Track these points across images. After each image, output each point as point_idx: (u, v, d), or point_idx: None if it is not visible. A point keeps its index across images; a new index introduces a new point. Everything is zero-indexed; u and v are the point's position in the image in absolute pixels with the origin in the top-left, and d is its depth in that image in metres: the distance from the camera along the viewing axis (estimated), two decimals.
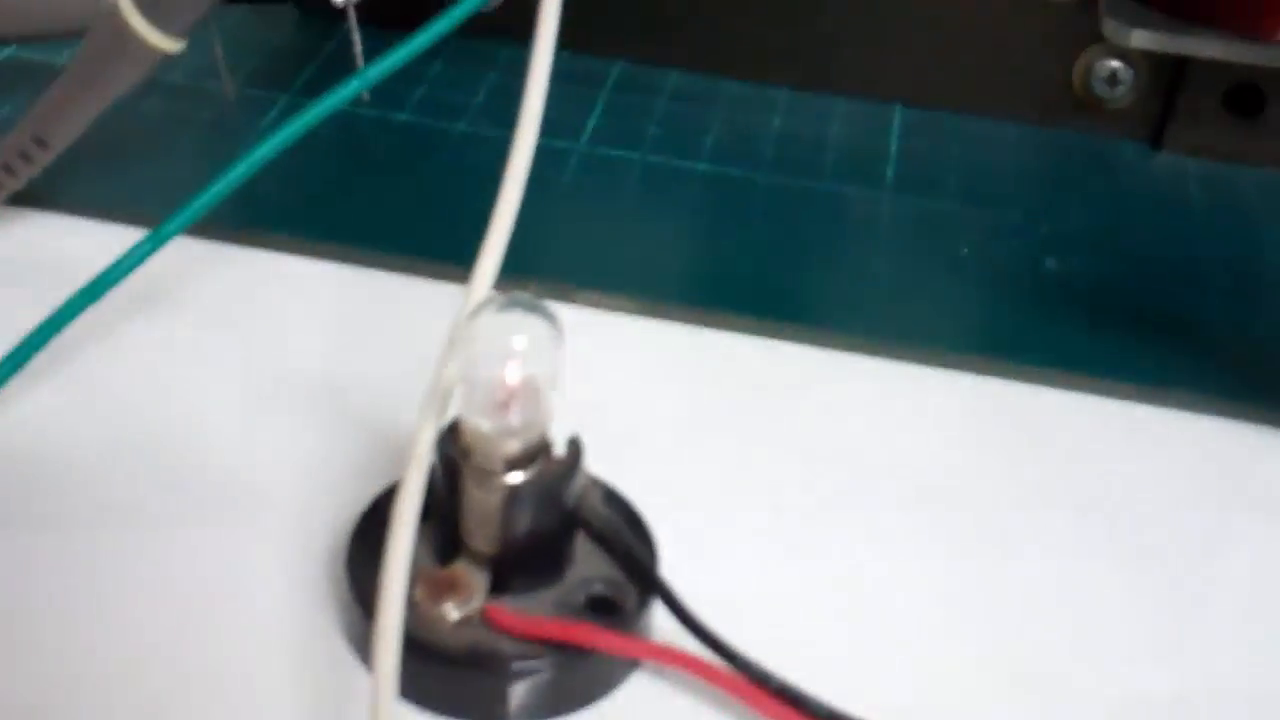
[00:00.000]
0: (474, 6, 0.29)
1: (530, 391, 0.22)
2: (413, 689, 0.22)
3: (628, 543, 0.24)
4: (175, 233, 0.27)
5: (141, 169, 0.34)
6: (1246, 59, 0.34)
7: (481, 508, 0.23)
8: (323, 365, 0.29)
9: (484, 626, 0.23)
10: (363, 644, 0.23)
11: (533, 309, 0.22)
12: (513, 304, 0.22)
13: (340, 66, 0.37)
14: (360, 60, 0.34)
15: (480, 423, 0.22)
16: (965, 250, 0.33)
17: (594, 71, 0.39)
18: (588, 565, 0.24)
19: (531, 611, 0.23)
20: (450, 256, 0.31)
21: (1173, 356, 0.31)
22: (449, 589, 0.23)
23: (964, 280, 0.33)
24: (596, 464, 0.24)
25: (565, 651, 0.22)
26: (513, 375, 0.22)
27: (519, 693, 0.22)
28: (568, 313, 0.31)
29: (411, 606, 0.22)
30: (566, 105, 0.38)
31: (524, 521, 0.23)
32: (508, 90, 0.35)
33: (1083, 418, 0.30)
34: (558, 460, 0.23)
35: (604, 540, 0.24)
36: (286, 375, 0.29)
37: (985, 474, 0.28)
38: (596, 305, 0.32)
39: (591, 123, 0.37)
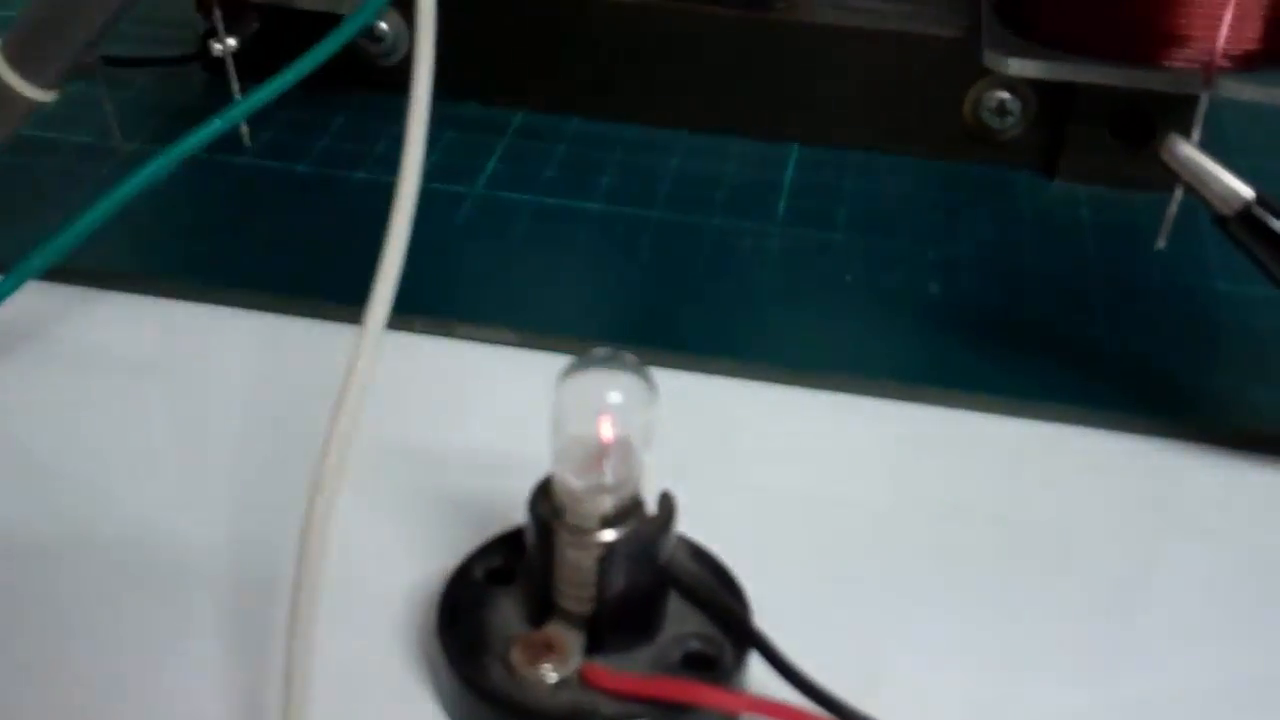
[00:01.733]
0: (333, 49, 0.30)
1: (623, 448, 0.22)
2: None
3: (720, 597, 0.24)
4: (33, 273, 0.27)
5: (25, 224, 0.34)
6: (1133, 84, 0.34)
7: (575, 567, 0.23)
8: (227, 411, 0.30)
9: (582, 687, 0.22)
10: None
11: (627, 366, 0.22)
12: (608, 361, 0.22)
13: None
14: None
15: (573, 480, 0.22)
16: (849, 278, 0.34)
17: (497, 120, 0.40)
18: (681, 622, 0.24)
19: (628, 670, 0.23)
20: (346, 298, 0.32)
21: (1058, 375, 0.31)
22: (545, 651, 0.23)
23: (848, 306, 0.33)
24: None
25: (664, 708, 0.22)
26: (606, 431, 0.22)
27: None
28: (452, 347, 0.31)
29: (509, 670, 0.22)
30: (466, 151, 0.38)
31: (619, 579, 0.23)
32: None
33: (970, 434, 0.30)
34: (650, 517, 0.23)
35: (695, 596, 0.24)
36: (200, 418, 0.30)
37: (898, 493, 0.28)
38: (475, 338, 0.32)
39: (490, 167, 0.38)
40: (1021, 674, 0.25)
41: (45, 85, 0.29)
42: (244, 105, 0.30)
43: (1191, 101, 0.34)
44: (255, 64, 0.34)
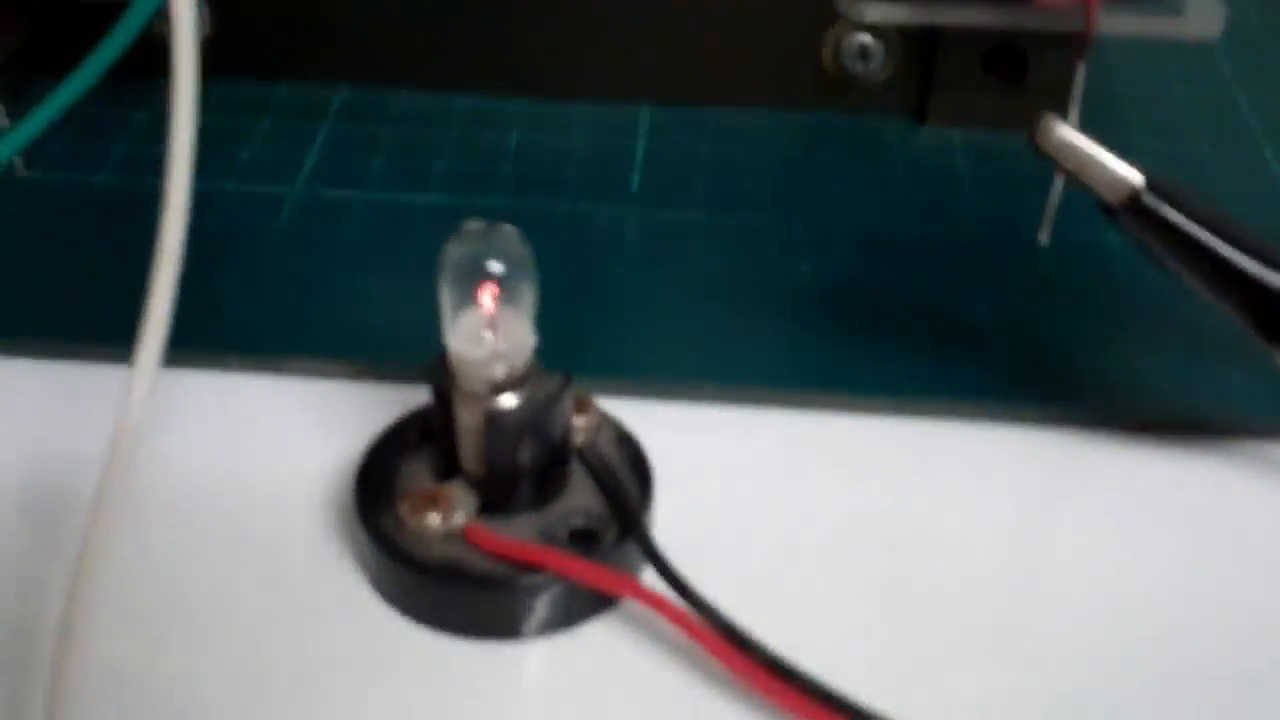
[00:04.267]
0: (120, 46, 0.26)
1: (508, 316, 0.23)
2: (396, 597, 0.24)
3: (620, 481, 0.24)
4: None
5: None
6: (1005, 23, 0.32)
7: (468, 430, 0.23)
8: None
9: (465, 544, 0.24)
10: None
11: (505, 236, 0.23)
12: (486, 232, 0.23)
13: None
14: None
15: (462, 348, 0.23)
16: (713, 263, 0.31)
17: (315, 101, 0.36)
18: (579, 498, 0.25)
19: (513, 534, 0.24)
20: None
21: (944, 364, 0.28)
22: (431, 505, 0.23)
23: (717, 300, 0.30)
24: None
25: (531, 572, 0.23)
26: (487, 301, 0.23)
27: (485, 608, 0.23)
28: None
29: (398, 521, 0.24)
30: (284, 142, 0.35)
31: (506, 445, 0.23)
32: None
33: (856, 440, 0.28)
34: (545, 388, 0.23)
35: (598, 476, 0.25)
36: None
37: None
38: (308, 374, 0.28)
39: (310, 160, 0.34)
40: (932, 668, 0.23)
41: None
42: (13, 140, 0.26)
43: (1066, 36, 0.31)
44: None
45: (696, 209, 0.33)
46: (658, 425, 0.26)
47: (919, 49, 0.35)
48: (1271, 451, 0.27)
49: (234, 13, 0.35)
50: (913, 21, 0.32)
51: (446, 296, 0.23)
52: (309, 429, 0.28)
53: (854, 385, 0.28)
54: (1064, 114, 0.34)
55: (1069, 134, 0.24)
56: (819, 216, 0.32)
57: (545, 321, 0.24)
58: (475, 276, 0.23)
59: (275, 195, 0.33)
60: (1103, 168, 0.24)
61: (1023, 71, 0.34)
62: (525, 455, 0.24)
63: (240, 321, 0.29)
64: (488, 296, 0.23)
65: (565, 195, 0.33)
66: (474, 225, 0.23)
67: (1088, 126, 0.25)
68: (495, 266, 0.23)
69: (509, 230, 0.23)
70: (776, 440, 0.27)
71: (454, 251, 0.23)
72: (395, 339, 0.29)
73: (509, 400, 0.23)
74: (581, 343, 0.28)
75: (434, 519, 0.23)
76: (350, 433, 0.27)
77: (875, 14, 0.31)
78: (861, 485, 0.27)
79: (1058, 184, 0.29)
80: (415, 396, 0.26)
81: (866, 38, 0.34)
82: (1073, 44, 0.26)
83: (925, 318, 0.30)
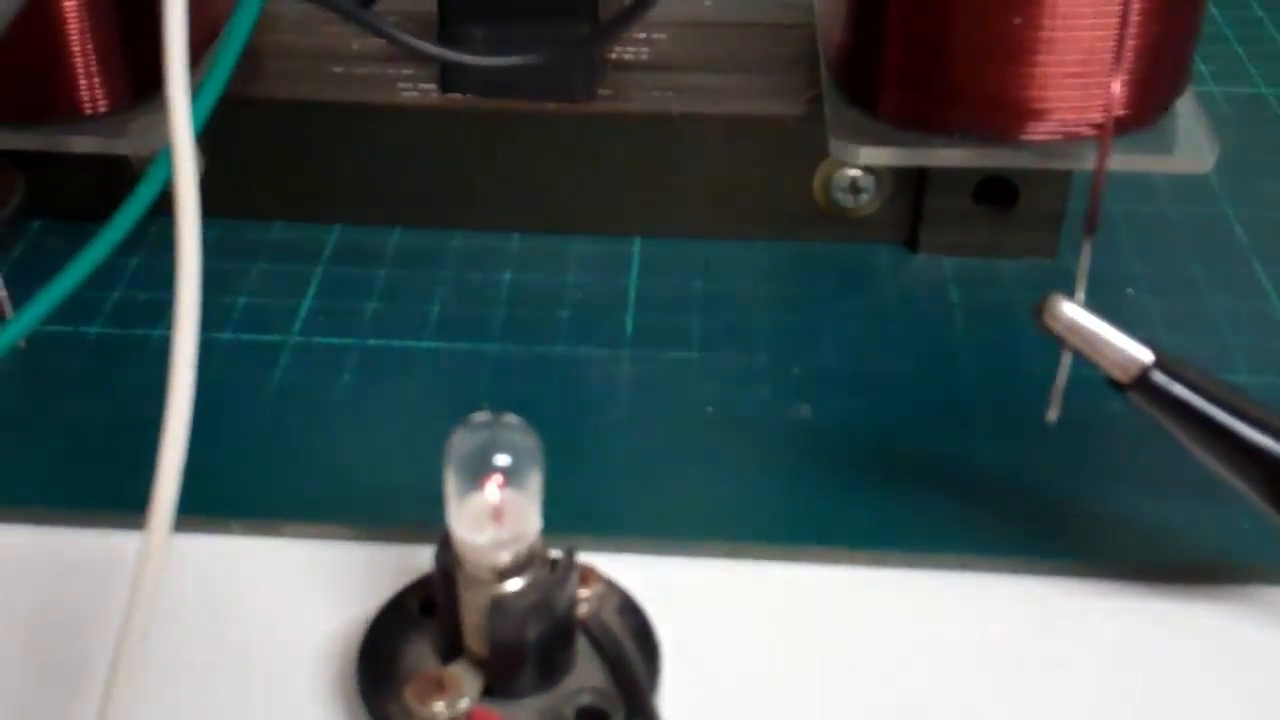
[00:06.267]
0: (130, 221, 0.26)
1: (513, 505, 0.23)
2: None
3: (626, 660, 0.24)
4: None
5: None
6: (992, 162, 0.32)
7: (473, 612, 0.23)
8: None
9: None
10: None
11: (510, 428, 0.23)
12: (490, 424, 0.23)
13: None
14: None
15: (467, 535, 0.23)
16: (710, 409, 0.31)
17: (310, 242, 0.36)
18: (588, 675, 0.24)
19: (517, 717, 0.23)
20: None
21: (942, 510, 0.28)
22: (437, 689, 0.23)
23: (715, 446, 0.30)
24: None
25: None
26: (494, 494, 0.23)
27: None
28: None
29: (404, 707, 0.23)
30: (279, 286, 0.35)
31: (510, 629, 0.23)
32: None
33: (861, 594, 0.27)
34: (550, 571, 0.23)
35: (603, 652, 0.24)
36: None
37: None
38: (308, 536, 0.28)
39: (305, 306, 0.34)
40: None
41: None
42: (17, 326, 0.26)
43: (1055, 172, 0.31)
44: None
45: (691, 349, 0.33)
46: (660, 584, 0.26)
47: (909, 181, 0.35)
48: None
49: (226, 154, 0.35)
50: (903, 164, 0.32)
51: (452, 485, 0.23)
52: (311, 595, 0.27)
53: (855, 536, 0.28)
54: (1053, 237, 0.35)
55: (1076, 314, 0.24)
56: (814, 353, 0.32)
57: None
58: (481, 468, 0.23)
59: (272, 344, 0.33)
60: (1111, 347, 0.24)
61: (1014, 199, 0.34)
62: (531, 637, 0.23)
63: (237, 480, 0.29)
64: (494, 489, 0.23)
65: (559, 338, 0.33)
66: (480, 417, 0.23)
67: (1074, 248, 0.25)
68: (502, 459, 0.23)
69: (515, 422, 0.23)
70: (779, 595, 0.27)
71: (460, 443, 0.23)
72: (395, 495, 0.29)
73: (514, 585, 0.23)
74: (577, 498, 0.28)
75: (439, 707, 0.23)
76: (352, 598, 0.27)
77: (866, 157, 0.32)
78: (866, 639, 0.26)
79: (1065, 361, 0.27)
80: (415, 557, 0.26)
81: (857, 172, 0.34)
82: (1085, 221, 0.26)
83: (924, 463, 0.30)
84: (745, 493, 0.29)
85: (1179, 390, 0.24)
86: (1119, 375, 0.24)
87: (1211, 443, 0.24)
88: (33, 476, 0.29)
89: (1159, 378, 0.24)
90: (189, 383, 0.22)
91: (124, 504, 0.28)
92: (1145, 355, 0.24)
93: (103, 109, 0.33)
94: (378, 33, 0.32)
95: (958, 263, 0.35)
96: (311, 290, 0.35)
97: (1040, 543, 0.28)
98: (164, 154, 0.23)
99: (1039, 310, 0.24)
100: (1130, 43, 0.30)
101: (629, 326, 0.33)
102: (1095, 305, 0.25)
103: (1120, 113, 0.31)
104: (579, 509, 0.28)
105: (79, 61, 0.32)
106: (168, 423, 0.22)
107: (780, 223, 0.36)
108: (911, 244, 0.36)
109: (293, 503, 0.29)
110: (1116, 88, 0.30)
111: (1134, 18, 0.30)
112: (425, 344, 0.33)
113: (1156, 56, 0.31)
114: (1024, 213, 0.35)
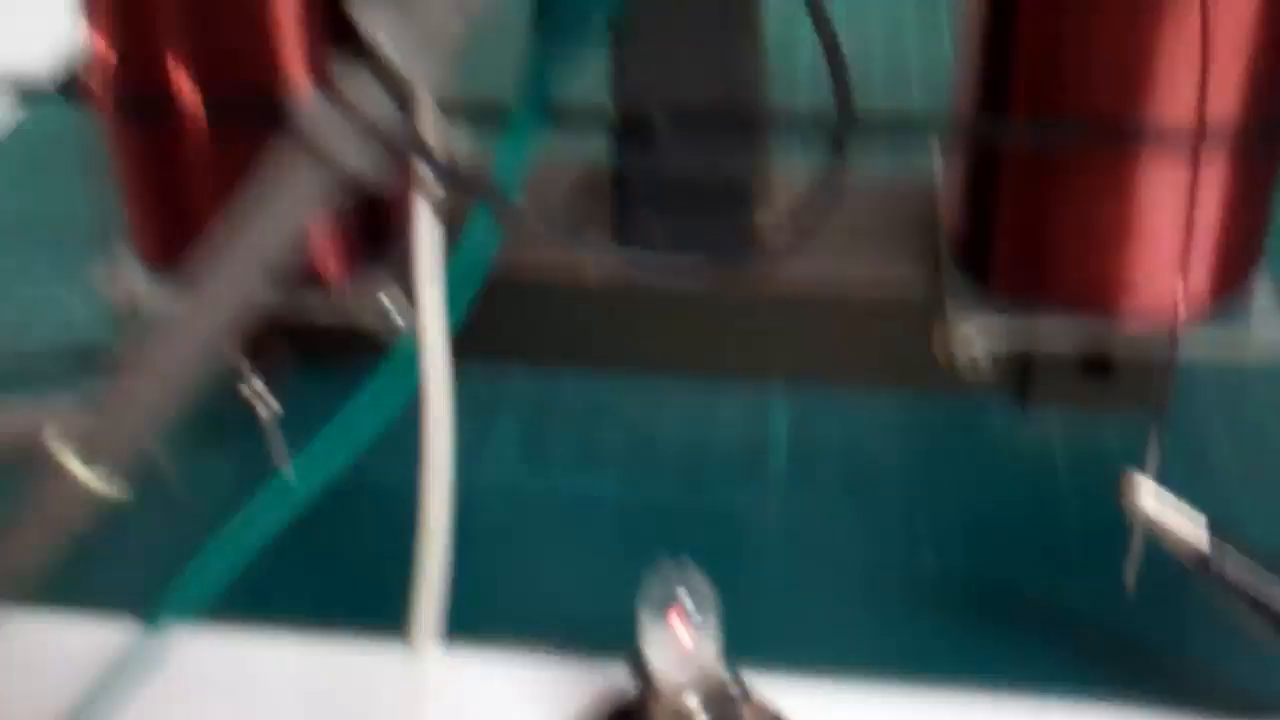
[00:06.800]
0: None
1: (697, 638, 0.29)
2: None
3: None
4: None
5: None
6: (1092, 347, 0.37)
7: None
8: None
9: None
10: None
11: (694, 577, 0.29)
12: (677, 569, 0.29)
13: None
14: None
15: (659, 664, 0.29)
16: (848, 556, 0.36)
17: (489, 387, 0.42)
18: None
19: None
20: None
21: (1060, 653, 0.33)
22: None
23: (853, 588, 0.35)
24: None
25: None
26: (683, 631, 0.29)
27: None
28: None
29: None
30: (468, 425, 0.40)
31: None
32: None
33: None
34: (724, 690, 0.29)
35: None
36: None
37: None
38: (511, 649, 0.34)
39: (491, 447, 0.40)
40: None
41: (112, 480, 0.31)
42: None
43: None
44: None
45: (834, 498, 0.38)
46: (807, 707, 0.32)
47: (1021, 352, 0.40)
48: None
49: None
50: (1013, 346, 0.37)
51: (647, 624, 0.29)
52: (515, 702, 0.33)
53: (976, 670, 0.33)
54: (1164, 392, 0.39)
55: (1145, 499, 0.29)
56: (935, 503, 0.38)
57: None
58: (669, 606, 0.29)
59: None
60: (1173, 535, 0.29)
61: (1110, 369, 0.39)
62: None
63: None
64: (681, 628, 0.28)
65: (708, 488, 0.39)
66: (667, 566, 0.29)
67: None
68: (688, 602, 0.29)
69: (695, 572, 0.29)
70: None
71: (652, 588, 0.29)
72: (585, 624, 0.34)
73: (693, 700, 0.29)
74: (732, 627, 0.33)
75: None
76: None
77: (982, 341, 0.37)
78: None
79: (1138, 535, 0.32)
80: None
81: (974, 333, 0.39)
82: (1153, 406, 0.30)
83: (1038, 608, 0.34)
84: (879, 629, 0.34)
85: (1232, 574, 0.28)
86: (1181, 558, 0.29)
87: (1269, 622, 0.29)
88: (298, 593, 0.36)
89: (1215, 564, 0.28)
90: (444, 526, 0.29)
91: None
92: (1203, 541, 0.29)
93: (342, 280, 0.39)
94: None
95: (1065, 418, 0.40)
96: (496, 432, 0.40)
97: (1144, 682, 0.32)
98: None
99: (1119, 487, 0.29)
100: (1206, 237, 0.35)
101: (772, 473, 0.39)
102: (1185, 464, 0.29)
103: (1196, 301, 0.36)
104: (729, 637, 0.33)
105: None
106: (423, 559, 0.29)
107: (907, 375, 0.41)
108: (1022, 400, 0.40)
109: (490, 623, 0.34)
110: (1183, 285, 0.34)
111: (1209, 214, 0.34)
112: (604, 492, 0.39)
113: (1231, 243, 0.35)
114: (1131, 370, 0.39)
